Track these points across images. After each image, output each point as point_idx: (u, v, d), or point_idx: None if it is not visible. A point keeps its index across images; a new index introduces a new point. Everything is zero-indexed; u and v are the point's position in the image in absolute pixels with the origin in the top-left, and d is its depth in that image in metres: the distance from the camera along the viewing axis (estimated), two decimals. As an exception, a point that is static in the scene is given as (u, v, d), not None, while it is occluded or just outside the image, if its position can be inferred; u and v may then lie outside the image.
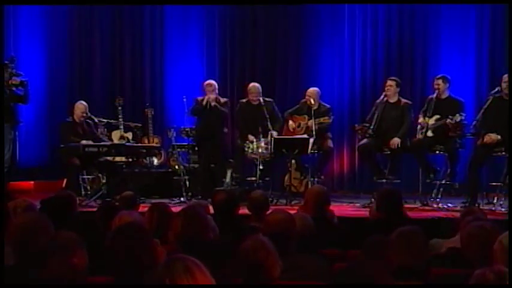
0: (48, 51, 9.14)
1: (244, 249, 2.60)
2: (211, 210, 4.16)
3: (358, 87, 8.72)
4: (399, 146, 6.97)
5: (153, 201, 7.01)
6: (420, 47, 8.51)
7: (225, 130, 7.83)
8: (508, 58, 7.52)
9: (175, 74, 9.35)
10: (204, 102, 7.51)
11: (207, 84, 7.68)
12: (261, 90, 7.68)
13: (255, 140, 7.34)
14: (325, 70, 8.87)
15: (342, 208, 6.74)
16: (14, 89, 7.31)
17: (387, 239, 2.75)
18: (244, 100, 7.86)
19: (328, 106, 7.77)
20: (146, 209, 3.94)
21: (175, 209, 3.79)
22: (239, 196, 5.26)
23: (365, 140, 7.17)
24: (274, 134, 7.35)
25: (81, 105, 7.49)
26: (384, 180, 6.96)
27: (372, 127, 7.03)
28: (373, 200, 6.46)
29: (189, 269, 1.88)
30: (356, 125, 7.39)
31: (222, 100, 7.71)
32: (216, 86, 7.68)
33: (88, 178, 7.89)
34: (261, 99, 7.59)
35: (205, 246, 3.03)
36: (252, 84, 7.79)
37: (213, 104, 7.51)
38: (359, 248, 3.06)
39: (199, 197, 7.34)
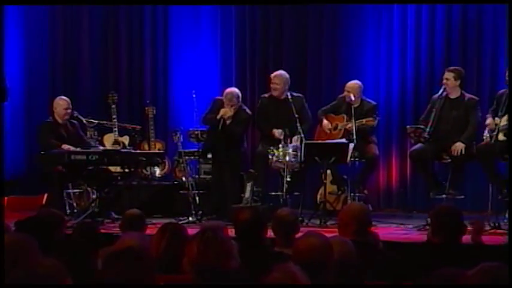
0: (26, 38, 9.22)
1: (272, 283, 2.60)
2: (230, 233, 4.16)
3: (410, 79, 8.68)
4: (463, 152, 6.93)
5: (154, 220, 7.07)
6: (490, 30, 8.41)
7: (242, 149, 7.82)
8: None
9: (183, 64, 9.40)
10: (218, 117, 7.54)
11: (225, 95, 7.65)
12: (287, 80, 7.69)
13: (282, 136, 7.34)
14: (368, 59, 8.83)
15: (390, 230, 6.74)
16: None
17: (461, 273, 2.73)
18: (266, 95, 7.88)
19: (373, 103, 7.75)
20: (154, 230, 3.95)
21: (191, 231, 3.81)
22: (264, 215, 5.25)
23: (419, 145, 7.13)
24: (295, 138, 7.34)
25: (62, 101, 7.56)
26: (444, 196, 6.91)
27: (427, 129, 6.99)
28: (429, 220, 6.42)
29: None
30: (408, 127, 7.36)
31: (244, 116, 7.66)
32: (237, 96, 7.63)
33: (74, 193, 7.96)
34: (288, 93, 7.61)
35: (227, 276, 3.05)
36: (276, 72, 7.81)
37: (228, 122, 7.54)
38: (413, 280, 3.03)
39: (214, 216, 7.39)
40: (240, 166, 7.72)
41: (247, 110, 7.78)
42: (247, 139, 8.31)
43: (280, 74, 7.71)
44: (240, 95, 7.71)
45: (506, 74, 6.75)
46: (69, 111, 7.51)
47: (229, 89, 7.78)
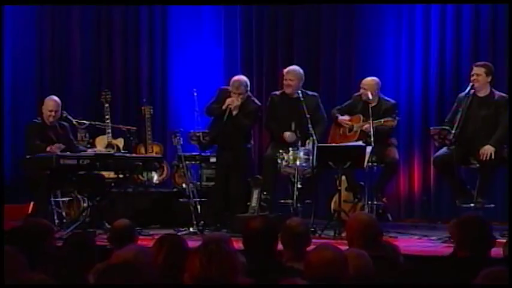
0: (10, 32, 9.19)
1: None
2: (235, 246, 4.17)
3: (434, 75, 8.65)
4: (492, 156, 6.91)
5: (152, 232, 7.09)
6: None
7: (249, 145, 7.88)
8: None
9: (183, 59, 9.42)
10: (224, 107, 7.57)
11: (232, 84, 7.69)
12: (302, 77, 7.68)
13: (293, 139, 7.34)
14: (388, 54, 8.82)
15: (412, 243, 6.73)
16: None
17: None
18: (277, 92, 7.89)
19: (393, 102, 7.75)
20: (151, 242, 3.97)
21: (192, 243, 3.83)
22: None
23: (444, 149, 7.12)
24: (307, 142, 7.34)
25: (51, 102, 7.57)
26: (471, 205, 6.89)
27: (453, 131, 6.98)
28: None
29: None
30: (432, 128, 7.33)
31: (252, 106, 7.72)
32: (246, 84, 7.67)
33: (63, 201, 7.97)
34: (299, 92, 7.62)
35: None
36: (290, 67, 7.80)
37: (234, 112, 7.57)
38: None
39: (218, 226, 7.41)
40: (247, 166, 7.73)
41: (256, 101, 7.81)
42: (254, 139, 8.31)
43: (294, 70, 7.72)
44: (248, 83, 7.73)
45: None
46: (53, 113, 7.50)
47: (236, 77, 7.81)
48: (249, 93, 7.75)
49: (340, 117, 7.74)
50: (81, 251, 3.84)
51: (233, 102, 7.55)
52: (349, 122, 7.70)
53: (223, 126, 7.59)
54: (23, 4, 8.99)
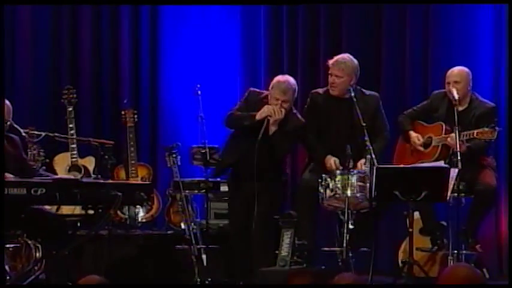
0: None
1: None
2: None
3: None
4: None
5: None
6: None
7: (284, 177, 7.91)
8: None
9: (181, 44, 9.52)
10: (260, 117, 7.48)
11: (276, 86, 7.58)
12: (355, 70, 7.67)
13: (339, 170, 7.36)
14: (482, 36, 8.86)
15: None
16: None
17: None
18: (320, 91, 7.90)
19: (491, 104, 7.80)
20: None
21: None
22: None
23: None
24: (362, 161, 7.37)
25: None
26: None
27: None
28: None
29: None
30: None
31: (294, 123, 7.64)
32: (295, 90, 7.60)
33: (7, 249, 7.98)
34: (351, 89, 7.60)
35: None
36: (338, 56, 7.76)
37: (273, 129, 7.53)
38: None
39: (240, 283, 7.47)
40: (278, 203, 7.72)
41: (299, 116, 7.75)
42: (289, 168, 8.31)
43: (344, 60, 7.70)
44: (295, 90, 7.61)
45: None
46: (8, 123, 7.52)
47: (282, 77, 7.72)
48: (290, 105, 7.67)
49: (412, 134, 7.77)
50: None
51: (275, 113, 7.51)
52: (422, 142, 7.71)
53: (251, 146, 7.50)
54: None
